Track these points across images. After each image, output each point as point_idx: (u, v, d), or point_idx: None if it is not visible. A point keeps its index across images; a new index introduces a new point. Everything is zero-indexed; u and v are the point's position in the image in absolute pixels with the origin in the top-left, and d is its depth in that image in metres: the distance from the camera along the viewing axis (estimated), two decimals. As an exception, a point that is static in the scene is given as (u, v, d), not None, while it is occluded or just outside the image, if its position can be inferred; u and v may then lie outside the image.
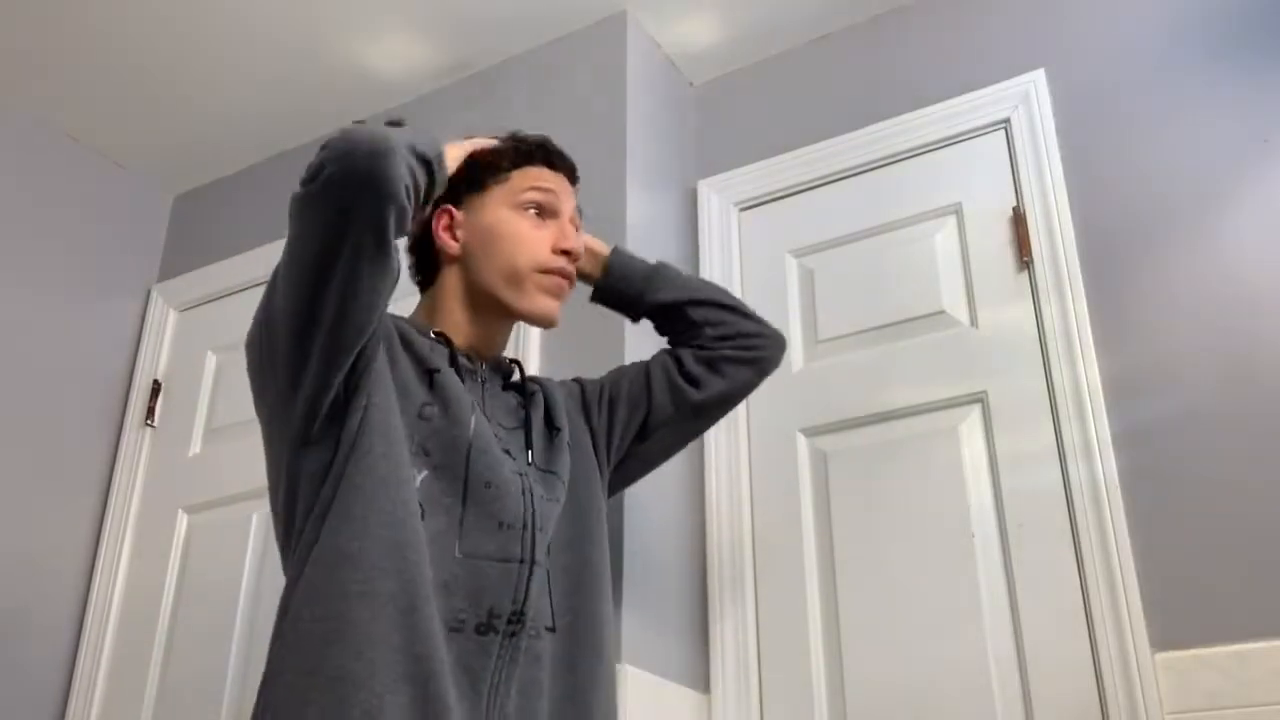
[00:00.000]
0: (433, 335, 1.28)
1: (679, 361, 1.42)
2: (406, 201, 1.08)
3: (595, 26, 2.25)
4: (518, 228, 1.30)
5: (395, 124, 1.14)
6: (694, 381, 1.40)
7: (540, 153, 1.35)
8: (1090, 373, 1.74)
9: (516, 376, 1.36)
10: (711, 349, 1.41)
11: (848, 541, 1.85)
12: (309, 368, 1.10)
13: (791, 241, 2.13)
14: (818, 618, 1.83)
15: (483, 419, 1.22)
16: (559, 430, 1.33)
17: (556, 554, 1.23)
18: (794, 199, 2.17)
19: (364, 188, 1.04)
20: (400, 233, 1.10)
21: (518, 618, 1.12)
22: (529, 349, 1.96)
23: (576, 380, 1.47)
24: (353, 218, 1.05)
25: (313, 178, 1.05)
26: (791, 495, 1.92)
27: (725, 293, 1.48)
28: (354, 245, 1.06)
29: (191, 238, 2.73)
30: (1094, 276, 1.80)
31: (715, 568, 1.92)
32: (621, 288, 1.45)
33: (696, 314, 1.42)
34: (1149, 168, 1.83)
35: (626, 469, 1.45)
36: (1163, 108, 1.86)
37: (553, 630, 1.18)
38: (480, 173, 1.32)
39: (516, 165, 1.32)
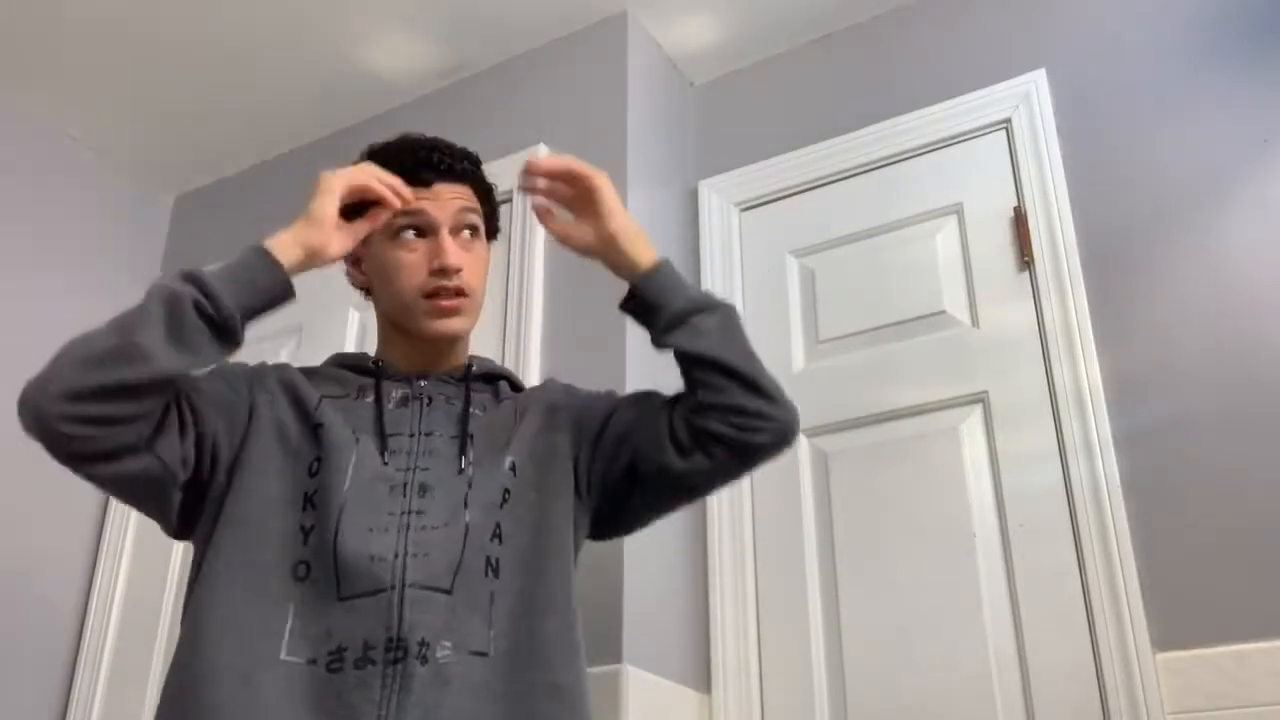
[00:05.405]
0: (372, 364, 1.30)
1: (671, 421, 1.26)
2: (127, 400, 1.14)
3: (595, 27, 2.25)
4: (395, 258, 1.27)
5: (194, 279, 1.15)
6: (679, 448, 1.24)
7: (405, 171, 1.27)
8: (1091, 372, 1.74)
9: (492, 386, 1.34)
10: (697, 417, 1.24)
11: (848, 541, 1.85)
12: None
13: (792, 241, 2.13)
14: (818, 618, 1.83)
15: (364, 456, 1.19)
16: (504, 452, 1.25)
17: (510, 576, 1.18)
18: (794, 199, 2.17)
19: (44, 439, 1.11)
20: (165, 395, 1.15)
21: (395, 644, 1.09)
22: (529, 348, 1.96)
23: (581, 391, 1.39)
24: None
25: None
26: (792, 495, 1.92)
27: (746, 357, 1.26)
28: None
29: (191, 238, 2.72)
30: (1094, 276, 1.80)
31: (715, 568, 1.91)
32: (645, 314, 1.30)
33: (697, 374, 1.24)
34: (1149, 168, 1.83)
35: (615, 519, 1.33)
36: (1162, 108, 1.86)
37: (484, 655, 1.13)
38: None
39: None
